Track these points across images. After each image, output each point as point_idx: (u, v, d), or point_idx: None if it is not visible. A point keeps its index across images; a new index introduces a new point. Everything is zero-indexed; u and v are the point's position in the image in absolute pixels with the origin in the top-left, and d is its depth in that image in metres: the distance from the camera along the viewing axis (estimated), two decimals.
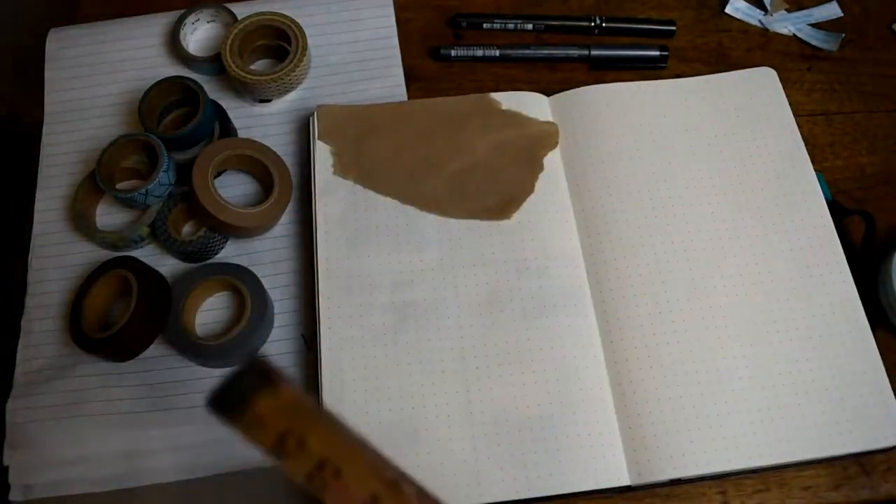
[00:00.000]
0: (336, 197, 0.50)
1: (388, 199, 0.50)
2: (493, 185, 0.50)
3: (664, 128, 0.52)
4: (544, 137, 0.52)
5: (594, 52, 0.56)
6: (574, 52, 0.56)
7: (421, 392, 0.44)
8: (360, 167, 0.51)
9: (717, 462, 0.42)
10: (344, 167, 0.51)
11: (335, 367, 0.45)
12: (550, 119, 0.52)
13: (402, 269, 0.47)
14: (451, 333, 0.46)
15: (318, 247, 0.48)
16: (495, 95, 0.53)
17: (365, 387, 0.44)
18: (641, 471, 0.42)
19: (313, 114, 0.53)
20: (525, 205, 0.49)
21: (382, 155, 0.51)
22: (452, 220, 0.49)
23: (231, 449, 0.45)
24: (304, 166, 0.53)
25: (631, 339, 0.45)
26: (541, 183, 0.50)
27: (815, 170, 0.50)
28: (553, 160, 0.51)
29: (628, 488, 0.43)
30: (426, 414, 0.44)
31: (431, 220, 0.49)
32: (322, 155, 0.51)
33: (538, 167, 0.50)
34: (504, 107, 0.53)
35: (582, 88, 0.53)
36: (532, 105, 0.53)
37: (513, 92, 0.53)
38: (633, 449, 0.43)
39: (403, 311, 0.46)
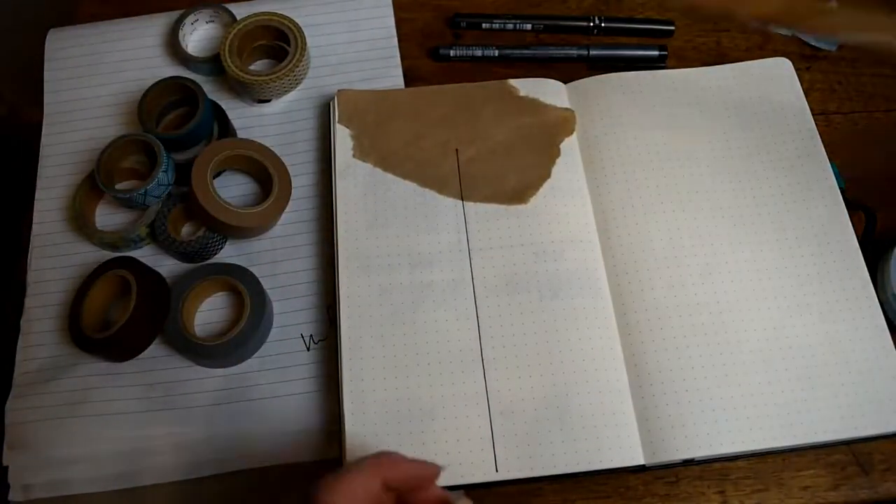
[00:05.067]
0: (355, 180, 0.51)
1: (407, 182, 0.51)
2: (510, 170, 0.51)
3: (680, 115, 0.52)
4: (561, 123, 0.52)
5: (593, 52, 0.56)
6: (573, 52, 0.57)
7: (438, 371, 0.45)
8: (379, 150, 0.52)
9: (729, 443, 0.43)
10: (363, 150, 0.52)
11: (355, 345, 0.46)
12: (567, 105, 0.53)
13: (420, 251, 0.49)
14: (468, 314, 0.47)
15: (338, 229, 0.49)
16: (513, 82, 0.54)
17: (384, 364, 0.46)
18: (655, 450, 0.43)
19: (333, 98, 0.54)
20: (541, 189, 0.50)
21: (402, 139, 0.52)
22: (470, 204, 0.50)
23: (231, 448, 0.45)
24: (302, 165, 0.53)
25: (646, 320, 0.46)
26: (557, 168, 0.51)
27: (829, 159, 0.51)
28: (570, 146, 0.52)
29: (642, 468, 0.43)
30: (443, 392, 0.45)
31: (449, 203, 0.50)
32: (342, 138, 0.52)
33: (555, 153, 0.51)
34: (522, 93, 0.53)
35: (598, 76, 0.54)
36: (549, 92, 0.54)
37: (531, 79, 0.54)
38: (648, 429, 0.43)
39: (421, 292, 0.47)
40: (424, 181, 0.51)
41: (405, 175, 0.51)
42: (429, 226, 0.49)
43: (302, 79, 0.56)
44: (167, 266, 0.50)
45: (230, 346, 0.46)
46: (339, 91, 0.54)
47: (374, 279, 0.48)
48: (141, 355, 0.47)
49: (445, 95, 0.54)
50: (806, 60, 0.57)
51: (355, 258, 0.48)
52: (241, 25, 0.54)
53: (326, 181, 0.52)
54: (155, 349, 0.48)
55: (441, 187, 0.50)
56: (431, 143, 0.52)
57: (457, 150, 0.52)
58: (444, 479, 0.43)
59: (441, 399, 0.45)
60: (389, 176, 0.51)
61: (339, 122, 0.53)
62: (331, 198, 0.52)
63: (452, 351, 0.46)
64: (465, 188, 0.50)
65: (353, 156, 0.52)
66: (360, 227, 0.49)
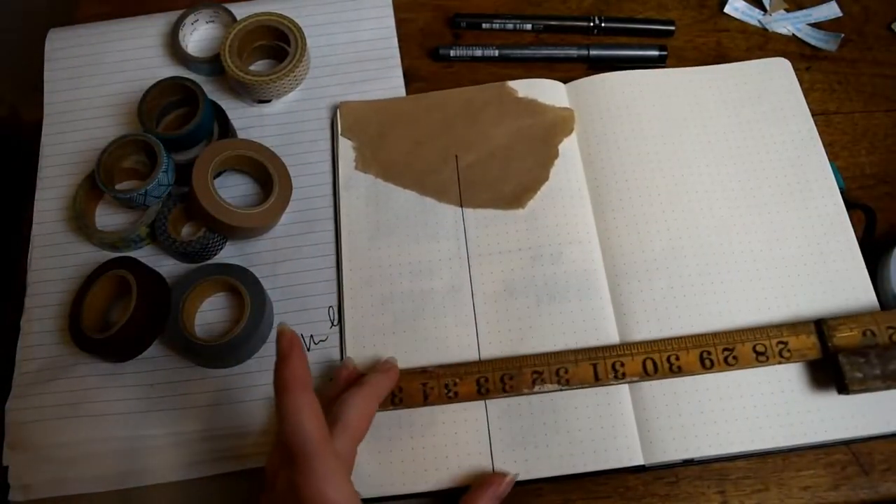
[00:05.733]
0: (358, 192, 0.51)
1: (408, 192, 0.51)
2: (508, 174, 0.51)
3: (679, 114, 0.52)
4: (560, 124, 0.52)
5: (593, 53, 0.56)
6: (573, 52, 0.57)
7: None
8: (380, 161, 0.52)
9: (728, 443, 0.43)
10: (366, 162, 0.52)
11: (358, 353, 0.47)
12: (567, 105, 0.53)
13: (420, 259, 0.49)
14: (467, 320, 0.47)
15: (342, 240, 0.50)
16: (512, 83, 0.54)
17: None
18: (655, 451, 0.43)
19: (337, 110, 0.54)
20: (539, 192, 0.50)
21: (402, 148, 0.52)
22: (469, 210, 0.50)
23: (230, 448, 0.45)
24: (303, 166, 0.53)
25: (646, 322, 0.46)
26: (556, 170, 0.51)
27: (829, 160, 0.51)
28: (569, 146, 0.52)
29: (642, 468, 0.43)
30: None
31: (449, 210, 0.50)
32: (345, 151, 0.53)
33: (553, 154, 0.51)
34: (521, 94, 0.54)
35: (598, 75, 0.54)
36: (549, 92, 0.54)
37: (529, 79, 0.54)
38: (647, 429, 0.44)
39: (421, 300, 0.48)
40: (425, 189, 0.51)
41: (406, 185, 0.51)
42: (429, 234, 0.49)
43: (302, 79, 0.56)
44: (167, 266, 0.50)
45: (230, 346, 0.46)
46: (341, 103, 0.54)
47: (377, 288, 0.48)
48: (141, 355, 0.47)
49: (444, 101, 0.54)
50: (806, 60, 0.57)
51: (358, 269, 0.49)
52: (241, 25, 0.54)
53: (327, 182, 0.53)
54: (155, 349, 0.48)
55: (441, 195, 0.51)
56: (431, 150, 0.52)
57: (456, 155, 0.52)
58: (441, 482, 0.43)
59: (441, 405, 0.45)
60: (391, 186, 0.51)
61: (342, 134, 0.53)
62: (332, 199, 0.52)
63: (452, 357, 0.46)
64: (464, 194, 0.50)
65: (356, 168, 0.52)
66: (362, 239, 0.50)
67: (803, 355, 0.44)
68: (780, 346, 0.44)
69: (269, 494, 0.36)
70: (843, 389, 0.42)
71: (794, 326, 0.45)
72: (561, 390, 0.44)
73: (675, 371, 0.44)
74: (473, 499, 0.41)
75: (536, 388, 0.44)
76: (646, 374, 0.44)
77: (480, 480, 0.42)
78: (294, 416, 0.33)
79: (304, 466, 0.33)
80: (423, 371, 0.45)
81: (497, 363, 0.45)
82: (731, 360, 0.44)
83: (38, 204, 0.53)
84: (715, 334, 0.45)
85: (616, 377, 0.44)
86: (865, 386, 0.42)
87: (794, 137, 0.51)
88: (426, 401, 0.44)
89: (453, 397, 0.44)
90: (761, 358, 0.44)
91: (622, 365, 0.44)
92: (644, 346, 0.45)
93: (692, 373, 0.44)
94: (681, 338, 0.45)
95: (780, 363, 0.44)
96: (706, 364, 0.44)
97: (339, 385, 0.44)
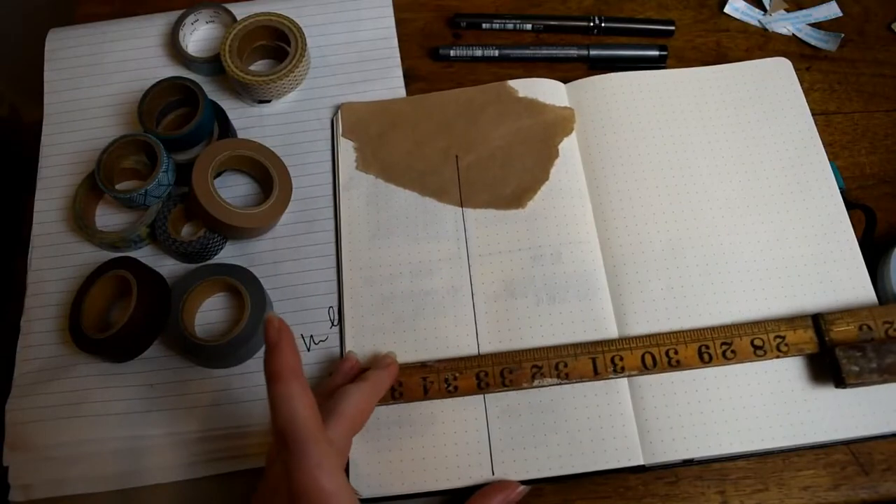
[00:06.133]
0: (358, 192, 0.51)
1: (408, 192, 0.51)
2: (508, 174, 0.51)
3: (679, 115, 0.52)
4: (560, 123, 0.52)
5: (593, 53, 0.56)
6: (573, 53, 0.57)
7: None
8: (381, 161, 0.52)
9: (728, 443, 0.43)
10: (366, 162, 0.52)
11: (358, 353, 0.47)
12: (567, 105, 0.53)
13: (420, 259, 0.49)
14: (467, 320, 0.47)
15: (342, 240, 0.50)
16: (512, 83, 0.54)
17: None
18: (655, 451, 0.43)
19: (337, 111, 0.54)
20: (539, 192, 0.50)
21: (403, 148, 0.52)
22: (469, 210, 0.50)
23: (230, 448, 0.45)
24: (303, 166, 0.53)
25: (645, 322, 0.46)
26: (556, 170, 0.51)
27: (829, 160, 0.51)
28: (569, 146, 0.52)
29: (642, 468, 0.43)
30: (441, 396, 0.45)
31: (449, 211, 0.50)
32: (345, 151, 0.53)
33: (553, 154, 0.51)
34: (521, 94, 0.54)
35: (598, 76, 0.54)
36: (549, 92, 0.54)
37: (530, 79, 0.54)
38: (647, 429, 0.43)
39: (422, 300, 0.48)
40: (425, 190, 0.51)
41: (406, 185, 0.51)
42: (429, 234, 0.49)
43: (302, 79, 0.56)
44: (167, 266, 0.50)
45: (230, 347, 0.46)
46: (342, 104, 0.54)
47: (377, 288, 0.48)
48: (141, 356, 0.47)
49: (445, 101, 0.54)
50: (806, 60, 0.57)
51: (358, 269, 0.49)
52: (241, 26, 0.54)
53: (327, 182, 0.53)
54: (155, 349, 0.48)
55: (441, 195, 0.51)
56: (432, 150, 0.52)
57: (457, 156, 0.52)
58: (441, 482, 0.43)
59: (440, 403, 0.45)
60: (391, 186, 0.51)
61: (342, 135, 0.53)
62: (332, 199, 0.52)
63: (451, 356, 0.46)
64: (464, 195, 0.50)
65: (357, 168, 0.52)
66: (363, 239, 0.50)
67: (800, 349, 0.44)
68: (778, 340, 0.44)
69: (263, 483, 0.36)
70: (840, 383, 0.42)
71: (792, 321, 0.45)
72: (560, 384, 0.44)
73: (674, 365, 0.44)
74: (484, 499, 0.41)
75: (536, 383, 0.44)
76: (645, 369, 0.44)
77: (492, 484, 0.42)
78: (287, 404, 0.33)
79: (298, 452, 0.33)
80: (423, 365, 0.45)
81: (497, 357, 0.45)
82: (729, 354, 0.44)
83: (38, 204, 0.53)
84: (713, 328, 0.45)
85: (615, 371, 0.44)
86: (862, 379, 0.42)
87: (794, 137, 0.51)
88: (426, 395, 0.44)
89: (453, 391, 0.44)
90: (759, 352, 0.44)
91: (621, 359, 0.44)
92: (643, 340, 0.45)
93: (691, 367, 0.44)
94: (679, 332, 0.45)
95: (777, 357, 0.44)
96: (705, 358, 0.44)
97: (340, 376, 0.44)
